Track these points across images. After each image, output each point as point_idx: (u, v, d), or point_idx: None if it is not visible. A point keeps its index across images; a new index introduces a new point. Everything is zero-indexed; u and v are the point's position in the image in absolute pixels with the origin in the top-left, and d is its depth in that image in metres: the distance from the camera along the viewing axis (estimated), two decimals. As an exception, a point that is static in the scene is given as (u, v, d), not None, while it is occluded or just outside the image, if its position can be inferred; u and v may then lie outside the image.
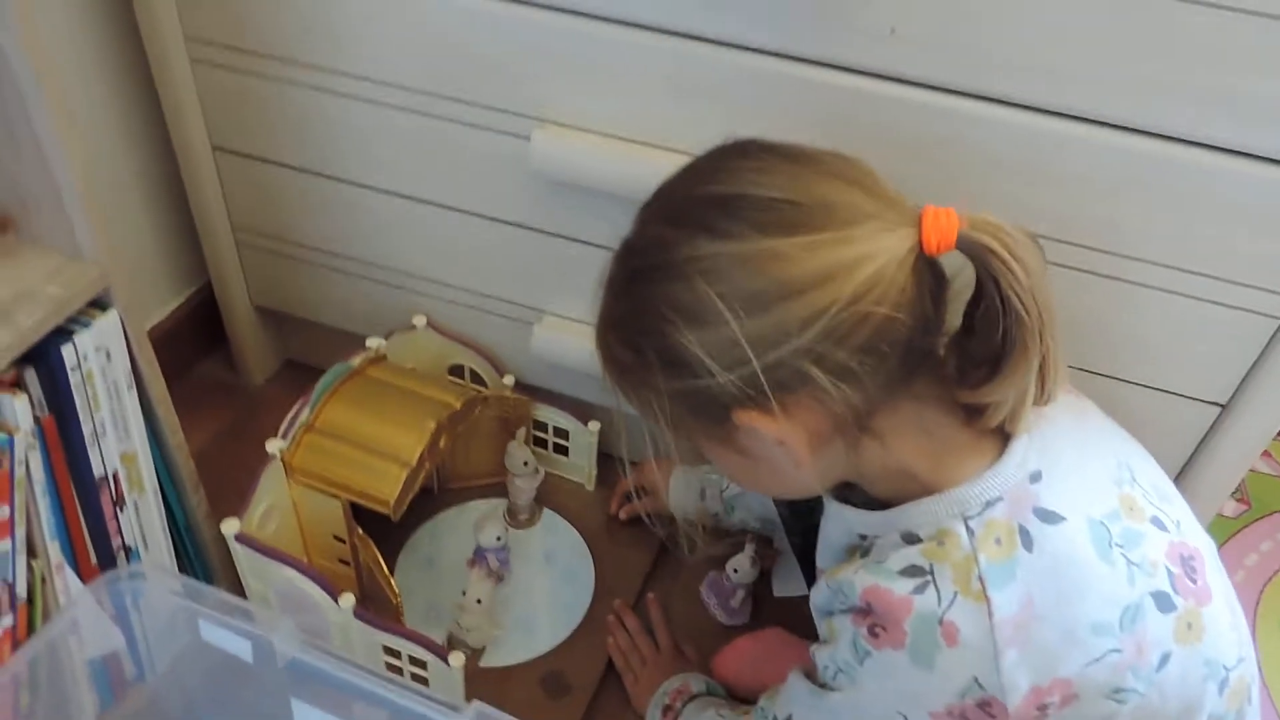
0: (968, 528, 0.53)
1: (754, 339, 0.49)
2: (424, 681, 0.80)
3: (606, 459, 1.03)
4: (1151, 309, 0.74)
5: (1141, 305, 0.75)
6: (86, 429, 0.67)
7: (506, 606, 0.93)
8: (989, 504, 0.53)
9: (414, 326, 0.98)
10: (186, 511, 0.80)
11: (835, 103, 0.71)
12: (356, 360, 0.91)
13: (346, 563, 0.90)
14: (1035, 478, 0.54)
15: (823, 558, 0.67)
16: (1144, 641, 0.53)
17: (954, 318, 0.55)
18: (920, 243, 0.49)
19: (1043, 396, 0.53)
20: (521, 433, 0.99)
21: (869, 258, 0.48)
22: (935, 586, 0.53)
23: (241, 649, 0.67)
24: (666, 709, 0.81)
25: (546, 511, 1.02)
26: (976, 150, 0.70)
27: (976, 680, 0.52)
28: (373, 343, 0.94)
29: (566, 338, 0.94)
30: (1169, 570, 0.54)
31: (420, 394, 0.90)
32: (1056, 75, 0.66)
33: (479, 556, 0.93)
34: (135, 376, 0.69)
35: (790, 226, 0.49)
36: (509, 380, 0.99)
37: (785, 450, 0.54)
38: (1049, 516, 0.53)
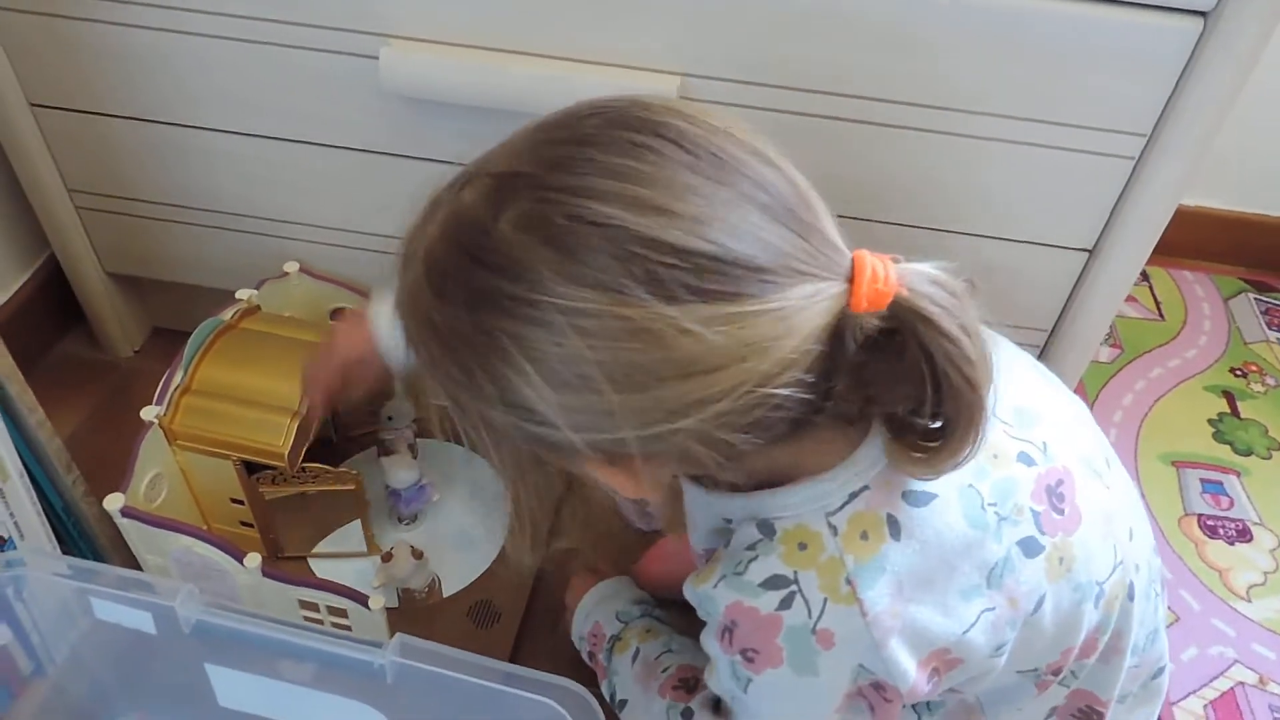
0: (830, 525, 0.49)
1: (628, 413, 0.41)
2: (348, 630, 0.79)
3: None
4: (1009, 162, 0.76)
5: (999, 160, 0.76)
6: (-74, 416, 0.61)
7: (429, 542, 0.91)
8: (853, 495, 0.49)
9: (285, 274, 0.93)
10: (62, 493, 0.75)
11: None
12: (228, 314, 0.87)
13: (249, 524, 0.87)
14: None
15: (693, 536, 0.62)
16: (1016, 592, 0.51)
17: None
18: (849, 302, 0.42)
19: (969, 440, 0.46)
20: (401, 386, 0.94)
21: (789, 333, 0.40)
22: (802, 597, 0.49)
23: (142, 621, 0.64)
24: (590, 656, 0.79)
25: (459, 449, 1.00)
26: (826, 12, 0.70)
27: (862, 666, 0.50)
28: (243, 294, 0.89)
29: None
30: (1033, 511, 0.51)
31: (300, 339, 0.86)
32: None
33: (393, 500, 0.91)
34: (-25, 355, 0.64)
35: (706, 293, 0.40)
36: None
37: (630, 490, 0.48)
38: (918, 499, 0.49)
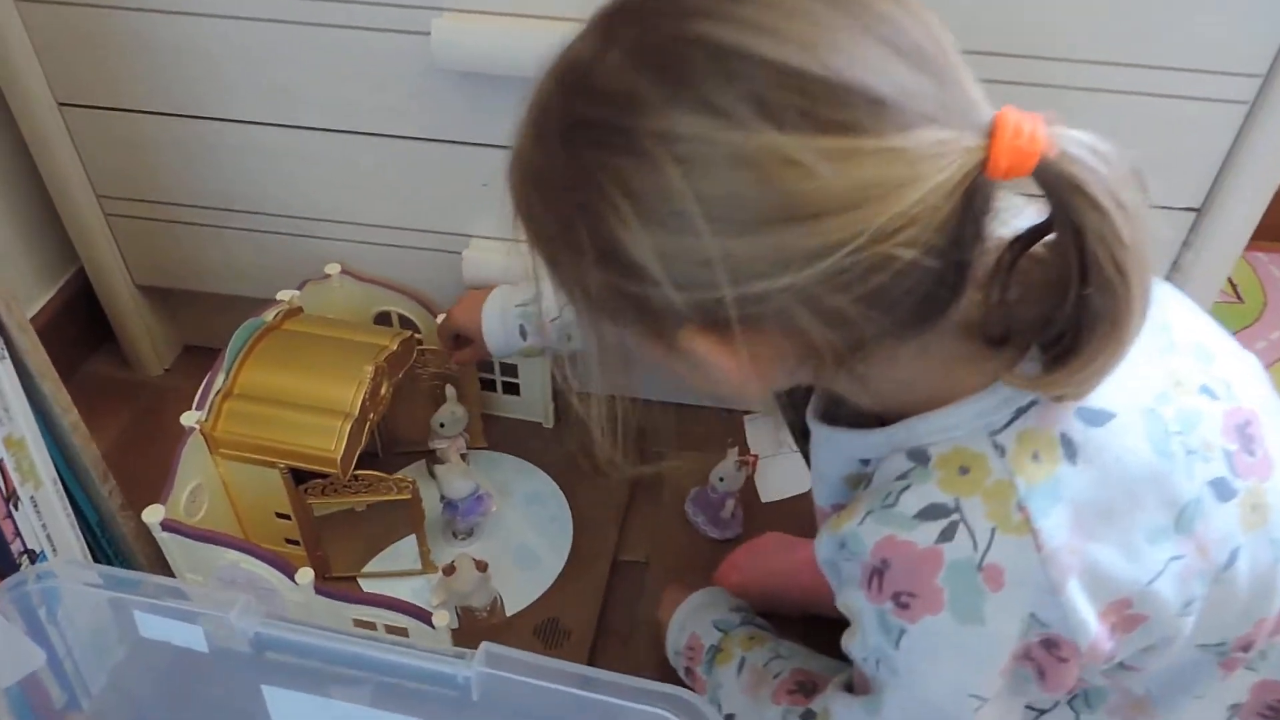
0: (995, 445, 0.43)
1: (732, 263, 0.37)
2: (408, 650, 0.71)
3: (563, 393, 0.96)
4: (1107, 114, 0.70)
5: (1095, 111, 0.70)
6: (-46, 412, 0.55)
7: (488, 559, 0.84)
8: (1020, 410, 0.43)
9: (327, 276, 0.88)
10: (97, 505, 0.69)
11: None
12: (270, 315, 0.81)
13: (295, 542, 0.80)
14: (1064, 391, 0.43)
15: (818, 493, 0.56)
16: (1207, 540, 0.45)
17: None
18: (985, 162, 0.36)
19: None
20: (453, 392, 0.89)
21: (913, 182, 0.35)
22: (966, 527, 0.43)
23: (193, 638, 0.57)
24: (687, 671, 0.72)
25: (514, 459, 0.94)
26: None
27: (1034, 616, 0.43)
28: (285, 295, 0.84)
29: (501, 260, 0.85)
30: (1225, 451, 0.45)
31: (349, 340, 0.80)
32: None
33: (449, 513, 0.84)
34: (6, 342, 0.58)
35: (818, 121, 0.36)
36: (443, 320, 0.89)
37: (733, 373, 0.42)
38: (1095, 417, 0.43)
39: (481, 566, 0.77)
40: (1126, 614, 0.44)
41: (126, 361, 1.00)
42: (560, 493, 0.91)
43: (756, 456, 0.90)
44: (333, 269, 0.88)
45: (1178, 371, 0.46)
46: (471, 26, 0.72)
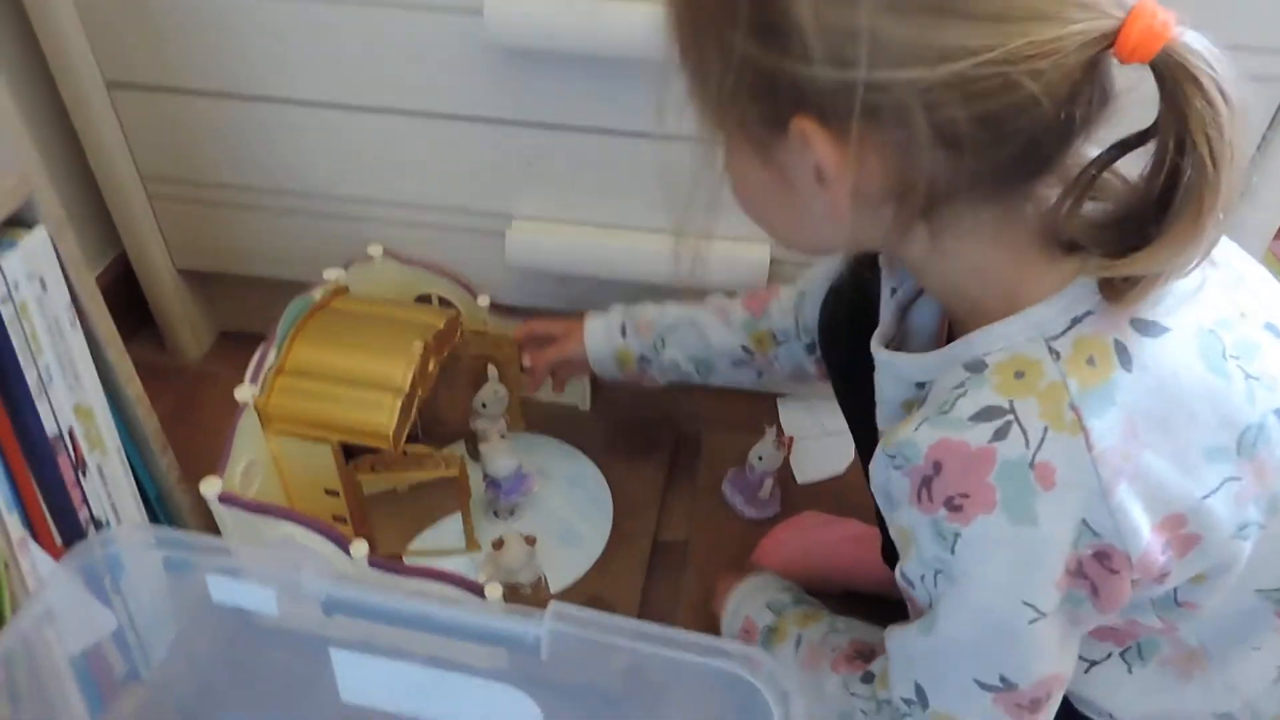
0: (1051, 350, 0.45)
1: (878, 42, 0.40)
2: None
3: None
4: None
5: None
6: (30, 376, 0.56)
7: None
8: (1076, 320, 0.45)
9: (370, 258, 0.88)
10: (155, 476, 0.69)
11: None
12: (317, 293, 0.81)
13: (342, 519, 0.81)
14: (1129, 284, 0.44)
15: (882, 419, 0.57)
16: (1266, 467, 0.46)
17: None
18: (1116, 38, 0.39)
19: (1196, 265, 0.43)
20: (495, 372, 0.90)
21: (1058, 20, 0.39)
22: (1019, 426, 0.44)
23: (264, 601, 0.57)
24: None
25: (553, 441, 0.94)
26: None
27: (1086, 523, 0.44)
28: (331, 274, 0.84)
29: (544, 240, 0.86)
30: None
31: (397, 318, 0.81)
32: None
33: (492, 491, 0.85)
34: (77, 310, 0.58)
35: None
36: (484, 302, 0.90)
37: (824, 187, 0.44)
38: (1149, 328, 0.45)
39: (530, 542, 0.78)
40: (1180, 533, 0.45)
41: (164, 347, 1.01)
42: (600, 474, 0.92)
43: (793, 438, 0.91)
44: (375, 250, 0.89)
45: (1244, 305, 0.48)
46: (524, 3, 0.73)
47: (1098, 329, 0.45)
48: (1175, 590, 0.49)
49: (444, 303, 0.91)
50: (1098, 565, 0.45)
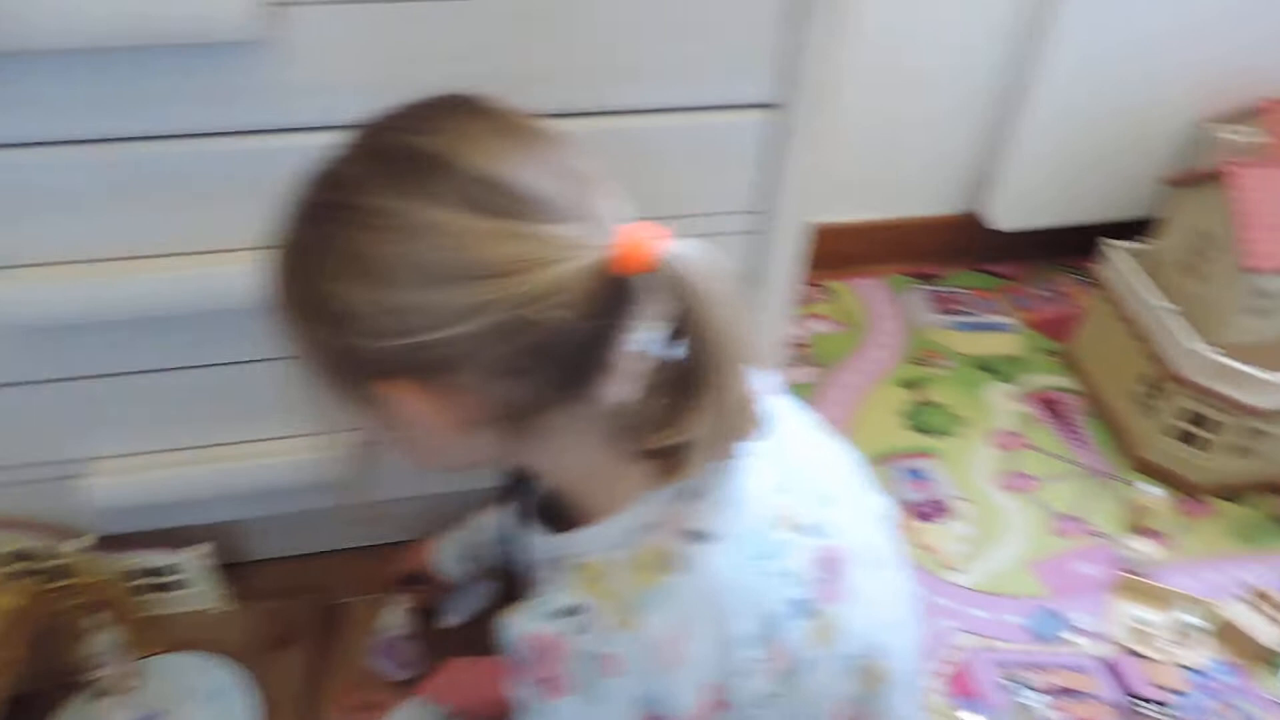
0: (627, 556, 0.55)
1: (424, 312, 0.48)
2: None
3: (231, 567, 0.97)
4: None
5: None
6: None
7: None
8: (648, 528, 0.55)
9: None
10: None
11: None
12: None
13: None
14: (691, 496, 0.55)
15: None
16: (783, 648, 0.56)
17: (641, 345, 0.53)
18: (613, 257, 0.49)
19: (724, 448, 0.54)
20: (103, 618, 0.87)
21: (558, 261, 0.47)
22: (590, 623, 0.54)
23: None
24: None
25: (189, 656, 0.94)
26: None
27: (646, 694, 0.54)
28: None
29: (133, 477, 0.85)
30: (810, 579, 0.57)
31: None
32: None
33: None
34: None
35: (492, 209, 0.48)
36: (82, 543, 0.87)
37: (430, 426, 0.53)
38: (703, 537, 0.55)
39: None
40: (718, 699, 0.55)
41: None
42: (242, 678, 0.91)
43: (437, 587, 0.96)
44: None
45: (790, 507, 0.58)
46: (34, 282, 0.71)
47: (663, 537, 0.54)
48: None
49: (23, 555, 0.87)
50: None
